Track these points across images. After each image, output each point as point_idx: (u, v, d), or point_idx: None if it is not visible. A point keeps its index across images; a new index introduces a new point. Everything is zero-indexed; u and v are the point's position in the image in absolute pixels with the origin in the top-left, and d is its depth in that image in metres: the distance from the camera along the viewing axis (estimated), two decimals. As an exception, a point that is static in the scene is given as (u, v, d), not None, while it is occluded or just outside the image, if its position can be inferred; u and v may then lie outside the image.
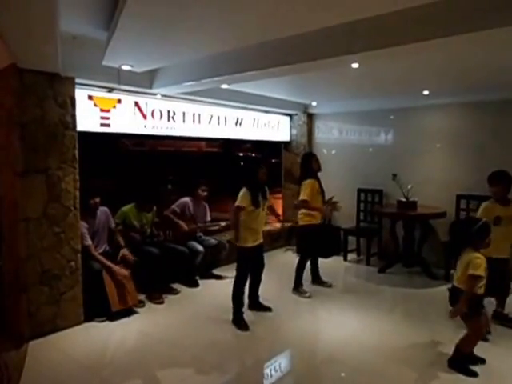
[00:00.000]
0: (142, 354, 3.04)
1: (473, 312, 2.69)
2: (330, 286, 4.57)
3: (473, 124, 5.03)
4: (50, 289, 3.28)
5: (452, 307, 2.75)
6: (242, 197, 3.47)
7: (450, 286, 2.86)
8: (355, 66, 3.15)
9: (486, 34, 2.15)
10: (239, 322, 3.50)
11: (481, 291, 2.65)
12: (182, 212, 4.62)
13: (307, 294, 4.26)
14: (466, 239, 2.69)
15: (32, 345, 3.09)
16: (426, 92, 4.95)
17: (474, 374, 2.69)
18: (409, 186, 5.05)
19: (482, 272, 2.58)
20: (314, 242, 4.40)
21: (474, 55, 3.30)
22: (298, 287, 4.35)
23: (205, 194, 4.76)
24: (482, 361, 2.84)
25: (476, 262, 2.58)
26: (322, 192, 4.38)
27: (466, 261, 2.65)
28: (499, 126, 4.81)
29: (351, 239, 5.76)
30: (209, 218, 4.91)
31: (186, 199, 4.71)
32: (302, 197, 4.19)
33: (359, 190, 5.92)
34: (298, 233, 4.59)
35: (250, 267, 3.69)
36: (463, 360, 2.77)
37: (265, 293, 3.91)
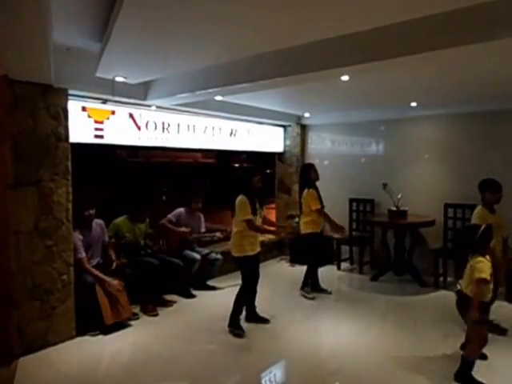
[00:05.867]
0: (135, 368, 2.98)
1: (479, 319, 2.64)
2: (330, 293, 4.65)
3: (460, 135, 5.16)
4: (41, 303, 3.21)
5: (459, 311, 2.78)
6: (244, 207, 3.47)
7: (456, 289, 2.86)
8: (345, 78, 3.21)
9: (477, 47, 2.22)
10: (236, 326, 3.53)
11: (488, 298, 2.66)
12: (177, 221, 4.61)
13: (311, 296, 4.41)
14: (471, 246, 2.70)
15: (22, 361, 3.01)
16: (413, 104, 5.08)
17: None
18: (399, 196, 5.12)
19: (487, 275, 2.55)
20: (318, 249, 4.56)
21: (464, 68, 3.39)
22: (304, 287, 4.50)
23: (199, 205, 4.77)
24: (484, 357, 2.89)
25: (479, 266, 2.58)
26: (321, 201, 4.52)
27: (470, 267, 2.67)
28: (486, 136, 4.94)
29: (344, 248, 5.79)
30: (203, 229, 4.90)
31: (181, 209, 4.70)
32: (314, 206, 4.38)
33: (351, 200, 5.97)
34: (303, 241, 4.66)
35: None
36: (470, 373, 2.69)
37: (260, 302, 3.88)
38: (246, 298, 3.64)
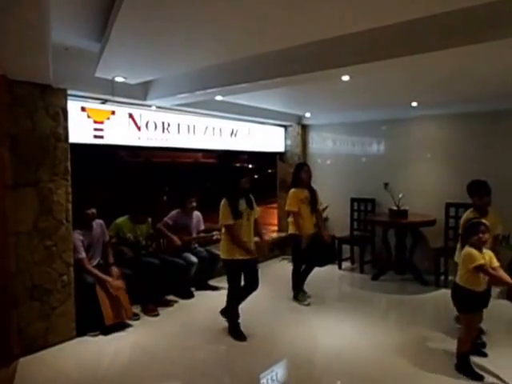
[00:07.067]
0: (136, 369, 2.98)
1: (466, 307, 2.81)
2: (308, 299, 4.33)
3: (461, 134, 5.14)
4: (41, 304, 3.21)
5: (453, 301, 2.89)
6: (224, 212, 3.39)
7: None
8: (346, 78, 3.19)
9: (478, 47, 2.20)
10: (236, 332, 3.47)
11: (479, 289, 2.74)
12: (174, 224, 4.58)
13: (306, 302, 4.26)
14: (462, 239, 2.92)
15: (22, 362, 3.01)
16: (414, 104, 5.06)
17: (480, 378, 2.74)
18: (400, 195, 5.11)
19: (480, 260, 2.64)
20: (300, 251, 4.30)
21: (464, 68, 3.37)
22: (296, 295, 4.36)
23: (193, 205, 4.70)
24: (484, 354, 3.01)
25: (468, 257, 2.70)
26: (313, 202, 4.36)
27: (461, 257, 2.83)
28: (487, 136, 4.92)
29: (345, 248, 5.78)
30: (203, 227, 4.88)
31: (176, 211, 4.66)
32: (286, 207, 4.36)
33: (352, 199, 5.96)
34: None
35: (245, 281, 3.58)
36: (468, 363, 2.84)
37: (261, 302, 3.88)
38: (235, 303, 3.52)
